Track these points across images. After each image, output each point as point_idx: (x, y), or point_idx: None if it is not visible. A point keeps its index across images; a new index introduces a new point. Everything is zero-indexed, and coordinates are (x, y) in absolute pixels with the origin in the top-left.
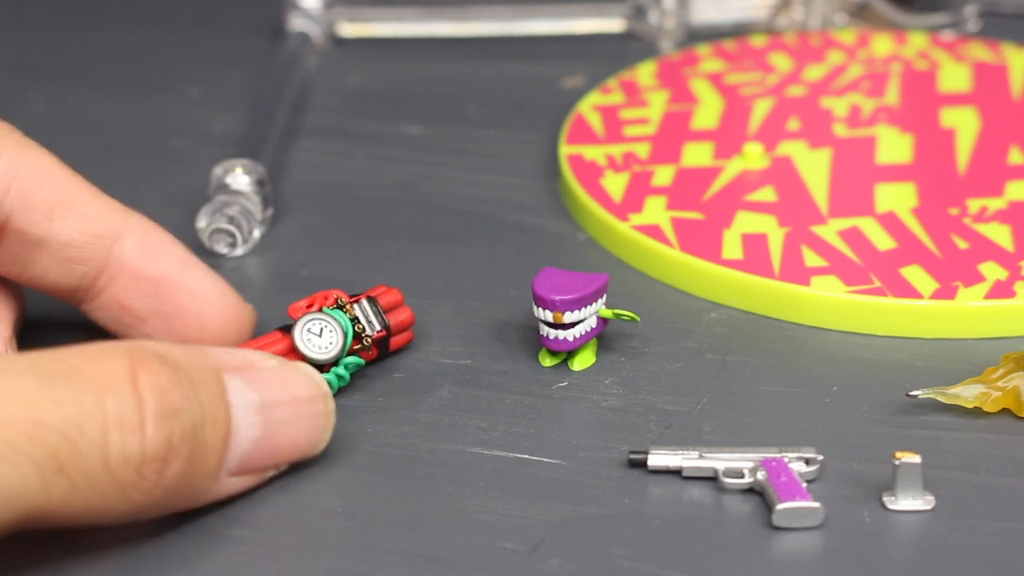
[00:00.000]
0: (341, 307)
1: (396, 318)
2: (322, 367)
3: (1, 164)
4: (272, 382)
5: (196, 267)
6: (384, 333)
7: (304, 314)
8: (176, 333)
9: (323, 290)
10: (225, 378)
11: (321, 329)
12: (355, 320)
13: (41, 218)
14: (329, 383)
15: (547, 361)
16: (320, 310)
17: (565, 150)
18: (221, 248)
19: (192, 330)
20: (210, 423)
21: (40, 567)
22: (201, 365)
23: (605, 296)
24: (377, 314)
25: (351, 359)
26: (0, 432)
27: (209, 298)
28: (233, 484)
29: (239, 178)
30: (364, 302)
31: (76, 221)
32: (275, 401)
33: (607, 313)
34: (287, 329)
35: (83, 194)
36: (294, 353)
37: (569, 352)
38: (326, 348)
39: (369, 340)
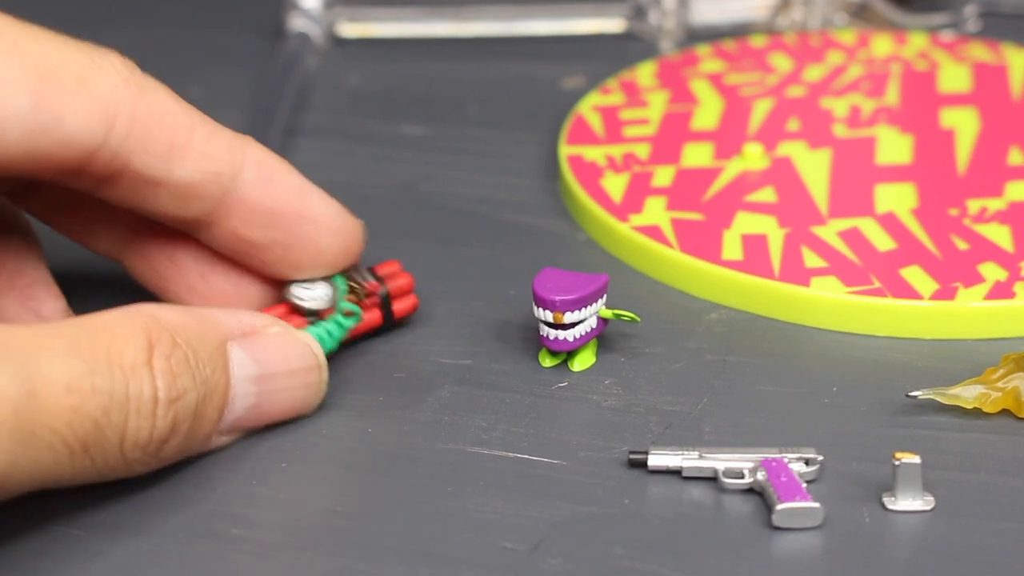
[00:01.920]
0: None
1: (395, 283)
2: (316, 315)
3: (123, 108)
4: (272, 352)
5: (312, 194)
6: (378, 286)
7: None
8: (292, 261)
9: None
10: (229, 349)
11: (314, 282)
12: (348, 276)
13: (159, 161)
14: (320, 339)
15: (547, 361)
16: None
17: (565, 150)
18: None
19: (309, 256)
20: (210, 397)
21: (40, 566)
22: (210, 339)
23: (605, 296)
24: (371, 274)
25: (347, 304)
26: (46, 419)
27: (326, 224)
28: (220, 441)
29: None
30: (356, 265)
31: (194, 161)
32: (272, 373)
33: (607, 313)
34: None
35: (200, 131)
36: (288, 312)
37: (569, 352)
38: (320, 298)
39: (363, 289)
